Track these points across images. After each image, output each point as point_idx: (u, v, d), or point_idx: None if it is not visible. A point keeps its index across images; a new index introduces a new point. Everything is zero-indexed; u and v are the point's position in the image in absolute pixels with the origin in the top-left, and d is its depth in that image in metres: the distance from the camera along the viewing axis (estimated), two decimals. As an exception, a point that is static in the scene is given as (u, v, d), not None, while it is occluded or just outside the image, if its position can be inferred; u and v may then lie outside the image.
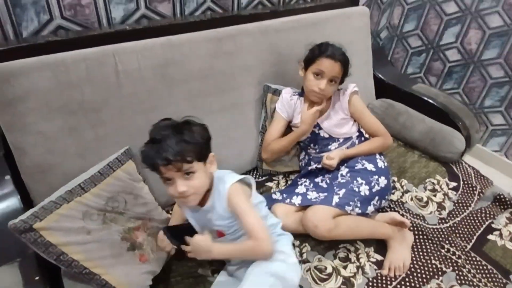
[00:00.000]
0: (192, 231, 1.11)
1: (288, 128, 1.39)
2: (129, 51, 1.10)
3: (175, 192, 0.88)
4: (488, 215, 1.32)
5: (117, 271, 0.91)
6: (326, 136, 1.34)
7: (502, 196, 1.39)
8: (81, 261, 0.87)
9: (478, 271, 1.14)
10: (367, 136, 1.38)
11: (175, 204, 1.18)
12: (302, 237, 1.17)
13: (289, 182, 1.42)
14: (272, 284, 0.90)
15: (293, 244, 1.11)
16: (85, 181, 0.97)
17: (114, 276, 0.90)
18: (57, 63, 1.01)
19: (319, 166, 1.31)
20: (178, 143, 0.85)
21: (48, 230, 0.85)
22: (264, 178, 1.45)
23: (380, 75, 1.83)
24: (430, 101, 1.65)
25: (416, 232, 1.23)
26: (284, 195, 1.26)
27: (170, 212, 1.23)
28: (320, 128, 1.34)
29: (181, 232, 1.06)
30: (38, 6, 1.10)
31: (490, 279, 1.11)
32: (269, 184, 1.41)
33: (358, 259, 1.14)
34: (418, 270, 1.12)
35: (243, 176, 0.98)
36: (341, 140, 1.33)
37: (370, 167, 1.26)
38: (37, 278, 0.86)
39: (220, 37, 1.27)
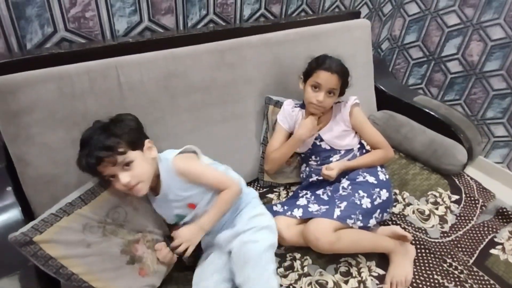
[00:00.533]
0: None
1: (290, 139, 1.39)
2: (131, 63, 1.11)
3: (121, 186, 0.91)
4: (490, 229, 1.31)
5: (117, 285, 0.90)
6: (328, 147, 1.34)
7: (504, 210, 1.38)
8: (80, 274, 0.86)
9: (481, 286, 1.12)
10: (368, 148, 1.38)
11: None
12: (303, 250, 1.16)
13: (290, 194, 1.41)
14: (269, 258, 1.01)
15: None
16: (86, 193, 0.97)
17: (113, 290, 0.89)
18: (61, 75, 1.02)
19: (320, 178, 1.31)
20: (106, 139, 0.88)
21: (48, 243, 0.85)
22: (265, 189, 1.44)
23: (381, 87, 1.83)
24: (432, 113, 1.65)
25: (418, 246, 1.22)
26: (285, 207, 1.25)
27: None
28: (322, 140, 1.34)
29: None
30: (43, 18, 1.12)
31: (493, 295, 1.10)
32: (270, 195, 1.41)
33: (359, 274, 1.13)
34: (420, 286, 1.10)
35: (182, 148, 1.04)
36: (342, 152, 1.33)
37: (371, 179, 1.26)
38: (35, 291, 0.87)
39: (223, 49, 1.28)
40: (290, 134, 1.37)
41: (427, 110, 1.67)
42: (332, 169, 1.26)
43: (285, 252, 1.17)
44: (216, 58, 1.26)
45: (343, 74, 1.25)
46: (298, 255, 1.16)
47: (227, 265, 1.02)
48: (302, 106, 1.38)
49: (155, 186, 1.01)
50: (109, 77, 1.07)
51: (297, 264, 1.14)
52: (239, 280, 0.97)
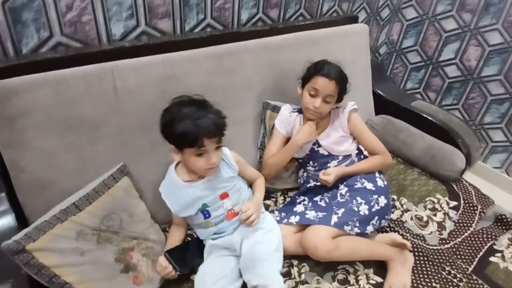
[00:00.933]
0: (193, 247, 1.10)
1: (287, 145, 1.38)
2: (128, 67, 1.10)
3: (206, 164, 1.01)
4: (489, 236, 1.30)
5: (111, 294, 0.89)
6: (325, 153, 1.33)
7: (503, 217, 1.37)
8: (73, 283, 0.85)
9: (480, 294, 1.11)
10: (366, 153, 1.37)
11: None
12: (300, 257, 1.15)
13: (287, 200, 1.40)
14: (279, 257, 1.08)
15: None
16: (80, 199, 0.96)
17: (107, 299, 0.88)
18: (57, 79, 1.01)
19: (318, 184, 1.30)
20: (218, 118, 1.01)
21: (41, 251, 0.84)
22: (262, 195, 1.43)
23: (379, 91, 1.82)
24: (430, 118, 1.65)
25: (416, 253, 1.21)
26: (282, 214, 1.24)
27: (167, 230, 1.22)
28: (319, 146, 1.33)
29: (182, 254, 1.05)
30: (39, 22, 1.11)
31: (492, 304, 1.09)
32: (267, 202, 1.39)
33: (357, 281, 1.11)
34: (419, 293, 1.10)
35: None
36: (340, 158, 1.32)
37: (369, 186, 1.25)
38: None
39: (221, 54, 1.27)
40: (287, 140, 1.36)
41: (425, 116, 1.67)
42: (329, 174, 1.25)
43: (282, 258, 1.16)
44: (214, 63, 1.26)
45: (341, 81, 1.24)
46: (295, 262, 1.15)
47: (235, 270, 1.04)
48: (300, 111, 1.37)
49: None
50: (105, 81, 1.06)
51: (294, 271, 1.13)
52: (247, 277, 1.00)
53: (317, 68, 1.25)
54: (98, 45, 1.22)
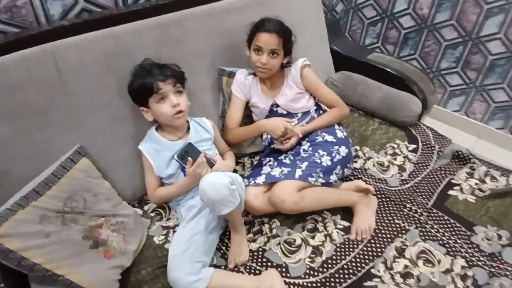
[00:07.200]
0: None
1: (247, 108, 1.39)
2: (68, 46, 1.07)
3: (170, 108, 1.09)
4: (447, 172, 1.37)
5: (81, 270, 0.90)
6: (284, 112, 1.35)
7: (460, 153, 1.43)
8: (42, 264, 0.86)
9: (441, 226, 1.18)
10: (325, 108, 1.40)
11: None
12: (271, 214, 1.18)
13: (254, 163, 1.43)
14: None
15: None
16: (39, 185, 0.95)
17: (78, 275, 0.89)
18: (-5, 67, 0.98)
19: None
20: (167, 68, 1.12)
21: (5, 237, 0.84)
22: (230, 161, 1.45)
23: (336, 48, 1.84)
24: (385, 68, 1.69)
25: (379, 196, 1.27)
26: (250, 178, 1.26)
27: (136, 205, 1.23)
28: (277, 106, 1.35)
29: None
30: (-29, 11, 1.05)
31: (454, 232, 1.15)
32: (236, 167, 1.41)
33: (325, 228, 1.17)
34: (383, 231, 1.15)
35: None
36: (299, 115, 1.35)
37: (330, 138, 1.29)
38: (2, 285, 0.86)
39: (166, 24, 1.25)
40: (246, 103, 1.37)
41: (380, 67, 1.70)
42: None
43: (253, 218, 1.19)
44: (160, 33, 1.23)
45: (281, 32, 1.25)
46: (266, 219, 1.19)
47: (204, 234, 1.06)
48: (256, 73, 1.37)
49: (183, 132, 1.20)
50: (45, 63, 1.03)
51: (265, 228, 1.17)
52: None
53: (256, 26, 1.26)
54: (37, 27, 1.18)
